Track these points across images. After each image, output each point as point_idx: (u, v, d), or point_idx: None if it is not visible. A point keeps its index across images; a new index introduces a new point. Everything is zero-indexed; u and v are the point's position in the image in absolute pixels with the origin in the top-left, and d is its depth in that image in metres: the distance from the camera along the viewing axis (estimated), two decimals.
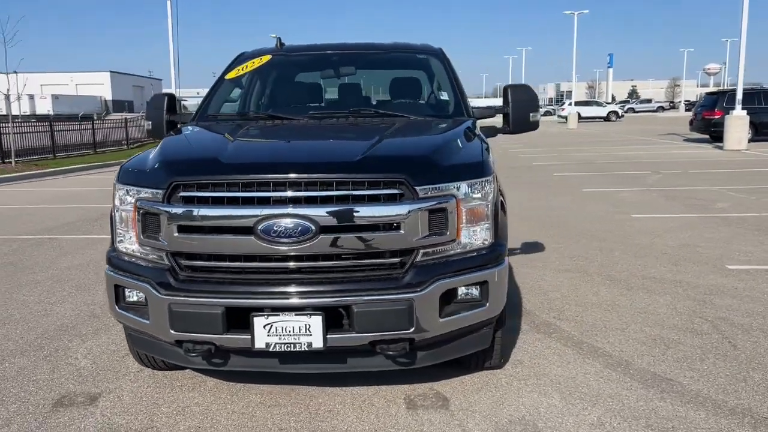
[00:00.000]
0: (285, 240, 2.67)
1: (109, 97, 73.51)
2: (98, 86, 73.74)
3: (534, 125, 4.08)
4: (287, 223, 2.66)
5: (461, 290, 2.91)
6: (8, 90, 18.09)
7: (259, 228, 2.67)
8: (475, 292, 2.93)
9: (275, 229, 2.66)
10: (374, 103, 4.74)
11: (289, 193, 2.71)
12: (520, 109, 4.03)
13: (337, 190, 2.73)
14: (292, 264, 2.76)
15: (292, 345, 2.74)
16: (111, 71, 78.13)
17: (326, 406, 3.13)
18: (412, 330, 2.76)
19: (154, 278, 2.82)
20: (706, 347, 3.74)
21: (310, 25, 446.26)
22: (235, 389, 3.33)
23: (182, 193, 2.78)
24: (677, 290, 4.85)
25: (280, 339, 2.73)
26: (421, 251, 2.80)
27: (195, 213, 2.74)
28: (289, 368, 2.97)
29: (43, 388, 3.39)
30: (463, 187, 2.87)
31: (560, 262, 5.75)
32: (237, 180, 2.75)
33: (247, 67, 4.59)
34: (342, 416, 3.02)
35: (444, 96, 4.47)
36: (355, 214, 2.70)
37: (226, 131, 3.52)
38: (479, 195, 2.92)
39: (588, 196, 10.10)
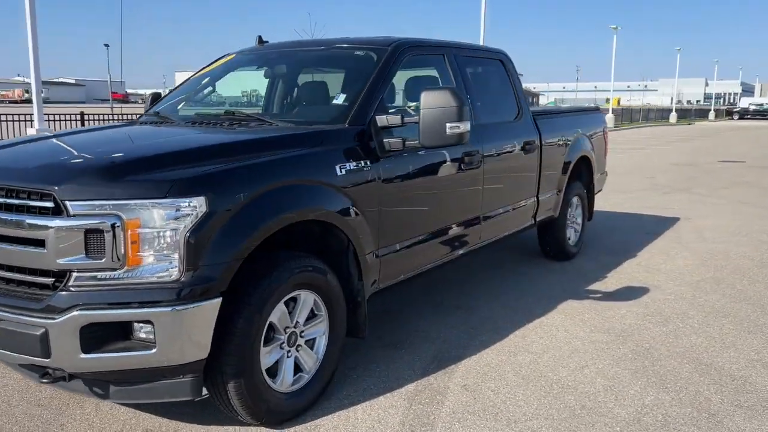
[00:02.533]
0: None
1: None
2: None
3: (452, 139, 3.46)
4: None
5: (137, 327, 2.63)
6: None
7: None
8: (143, 332, 2.62)
9: None
10: (277, 108, 4.57)
11: None
12: (433, 120, 3.43)
13: None
14: None
15: None
16: None
17: None
18: (49, 360, 2.59)
19: None
20: None
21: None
22: None
23: None
24: None
25: None
26: (75, 275, 2.57)
27: None
28: None
29: None
30: (141, 209, 2.55)
31: None
32: None
33: (211, 66, 4.60)
34: None
35: (341, 100, 3.96)
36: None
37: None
38: (163, 219, 2.55)
39: None
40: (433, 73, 4.67)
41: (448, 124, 3.50)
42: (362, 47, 4.20)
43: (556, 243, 6.19)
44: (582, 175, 6.68)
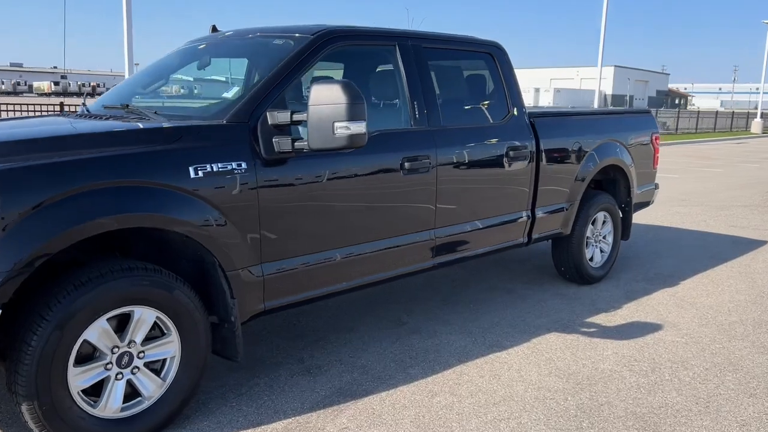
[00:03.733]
0: None
1: (609, 91, 74.97)
2: (602, 80, 71.73)
3: (340, 141, 2.98)
4: None
5: None
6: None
7: None
8: None
9: None
10: (181, 100, 4.11)
11: None
12: (320, 118, 2.99)
13: None
14: None
15: None
16: (616, 65, 79.90)
17: None
18: None
19: None
20: None
21: None
22: None
23: None
24: None
25: None
26: None
27: None
28: None
29: None
30: None
31: None
32: None
33: (168, 56, 4.33)
34: None
35: (230, 94, 3.54)
36: None
37: None
38: None
39: None
40: (380, 67, 4.15)
41: (336, 124, 3.01)
42: (284, 35, 3.76)
43: (571, 264, 5.39)
44: (614, 186, 5.80)
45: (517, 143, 4.52)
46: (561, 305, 4.98)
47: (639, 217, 8.47)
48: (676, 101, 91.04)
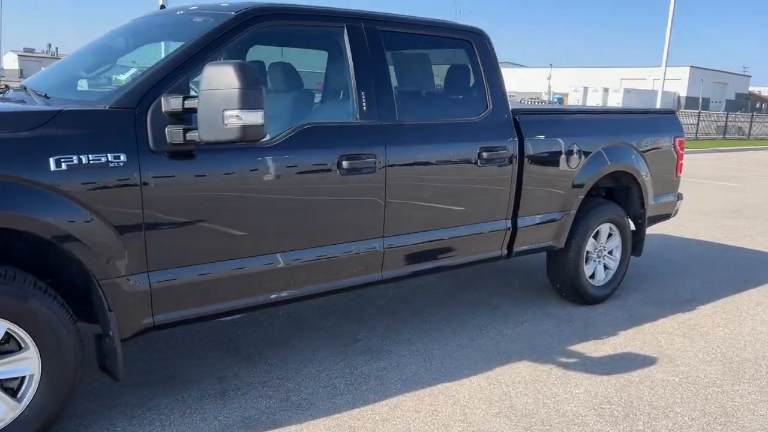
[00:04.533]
0: None
1: (683, 93, 72.68)
2: (675, 81, 71.65)
3: (231, 133, 2.55)
4: None
5: None
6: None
7: None
8: None
9: None
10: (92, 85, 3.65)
11: None
12: (210, 105, 2.56)
13: None
14: None
15: None
16: (691, 66, 77.18)
17: None
18: None
19: None
20: None
21: None
22: None
23: None
24: None
25: None
26: None
27: None
28: None
29: None
30: None
31: None
32: None
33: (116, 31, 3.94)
34: None
35: (125, 76, 3.14)
36: None
37: None
38: None
39: None
40: (322, 51, 3.68)
41: (227, 113, 2.57)
42: (206, 12, 3.33)
43: (566, 281, 4.78)
44: (626, 195, 5.14)
45: (493, 143, 3.96)
46: (547, 328, 4.39)
47: (671, 229, 7.68)
48: (757, 105, 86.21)
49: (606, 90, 62.86)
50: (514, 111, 4.21)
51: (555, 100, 59.67)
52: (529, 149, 4.17)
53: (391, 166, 3.47)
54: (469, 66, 4.08)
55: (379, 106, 3.48)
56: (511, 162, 4.06)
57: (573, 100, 60.46)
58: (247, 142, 2.74)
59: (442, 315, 4.54)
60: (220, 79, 2.57)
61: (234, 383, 3.39)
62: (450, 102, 4.14)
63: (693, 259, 6.47)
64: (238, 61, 2.70)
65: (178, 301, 2.90)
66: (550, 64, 74.25)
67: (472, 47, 4.06)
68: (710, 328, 4.55)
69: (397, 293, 4.96)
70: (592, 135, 4.61)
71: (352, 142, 3.34)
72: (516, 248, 4.31)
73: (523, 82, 79.18)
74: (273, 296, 3.20)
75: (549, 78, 71.70)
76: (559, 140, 4.38)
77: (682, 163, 5.48)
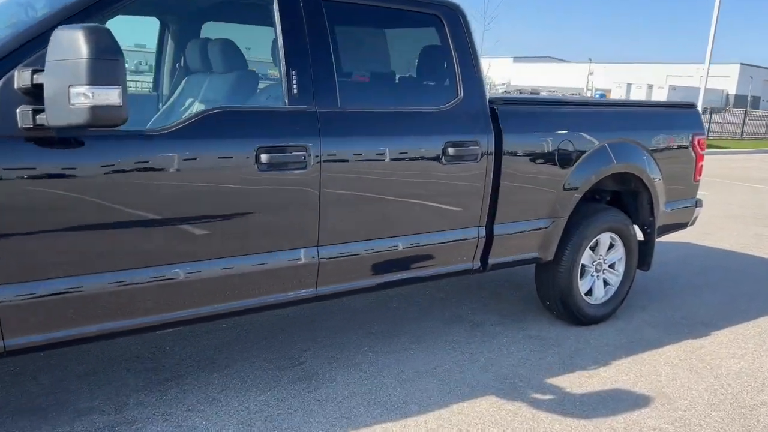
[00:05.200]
0: None
1: (733, 90, 70.79)
2: (724, 79, 69.53)
3: (79, 116, 2.04)
4: None
5: None
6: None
7: None
8: None
9: None
10: None
11: None
12: (56, 80, 2.06)
13: None
14: None
15: None
16: (742, 63, 75.10)
17: None
18: None
19: None
20: None
21: None
22: None
23: None
24: None
25: None
26: None
27: None
28: None
29: None
30: None
31: None
32: None
33: None
34: None
35: None
36: None
37: None
38: None
39: None
40: (248, 23, 3.12)
41: (73, 90, 2.05)
42: None
43: (556, 298, 4.14)
44: (633, 200, 4.47)
45: (462, 137, 3.36)
46: (527, 354, 3.77)
47: (695, 236, 6.92)
48: None
49: (650, 87, 61.09)
50: (493, 100, 3.59)
51: (597, 95, 57.97)
52: (509, 145, 3.55)
53: (327, 161, 2.90)
54: (438, 45, 3.47)
55: (316, 89, 2.91)
56: (485, 160, 3.45)
57: (616, 97, 58.82)
58: (104, 128, 2.21)
59: (412, 332, 3.96)
60: (67, 46, 2.05)
61: (132, 414, 2.87)
62: (410, 88, 3.55)
63: (717, 273, 5.73)
64: (92, 24, 2.16)
65: (38, 321, 2.39)
66: (590, 59, 72.33)
67: (441, 23, 3.44)
68: (723, 359, 3.87)
69: (367, 303, 4.40)
70: (591, 130, 3.95)
71: (275, 132, 2.78)
72: (492, 260, 3.70)
73: (563, 78, 77.44)
74: (166, 317, 2.67)
75: (591, 74, 69.84)
76: (548, 135, 3.74)
77: (702, 165, 4.77)
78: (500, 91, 42.21)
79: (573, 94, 50.69)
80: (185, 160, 2.55)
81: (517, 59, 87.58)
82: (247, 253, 2.79)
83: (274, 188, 2.78)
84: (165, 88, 4.21)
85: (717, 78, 65.28)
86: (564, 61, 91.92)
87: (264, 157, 2.72)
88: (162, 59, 4.22)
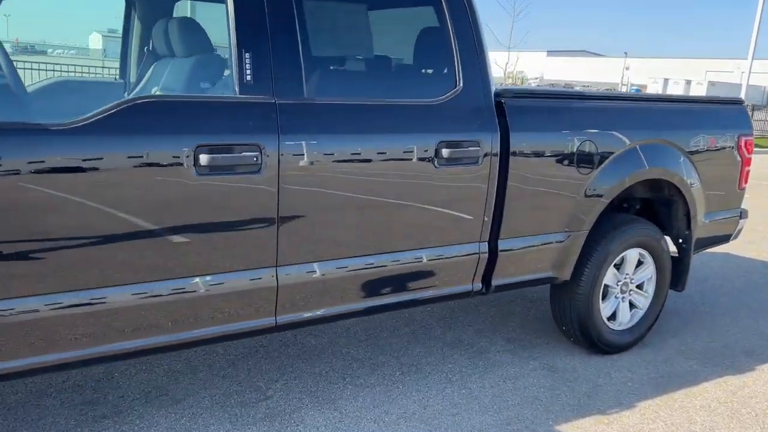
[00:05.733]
0: None
1: None
2: (764, 75, 65.26)
3: None
4: None
5: None
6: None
7: None
8: None
9: None
10: None
11: None
12: None
13: None
14: None
15: None
16: None
17: None
18: None
19: None
20: None
21: None
22: None
23: None
24: None
25: None
26: None
27: None
28: None
29: None
30: None
31: None
32: None
33: None
34: None
35: None
36: None
37: None
38: None
39: None
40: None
41: None
42: None
43: (574, 323, 3.57)
44: (667, 210, 3.86)
45: (461, 136, 2.80)
46: (537, 391, 3.21)
47: (739, 248, 6.23)
48: None
49: (688, 82, 59.31)
50: (500, 93, 3.03)
51: (633, 91, 56.19)
52: (518, 145, 2.98)
53: (288, 164, 2.38)
54: (434, 26, 2.92)
55: (276, 75, 2.38)
56: (487, 163, 2.89)
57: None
58: None
59: (404, 359, 3.43)
60: None
61: None
62: (397, 76, 3.01)
63: (763, 292, 5.07)
64: None
65: None
66: (625, 53, 70.48)
67: (441, 3, 2.88)
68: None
69: (356, 320, 3.87)
70: (619, 128, 3.36)
71: (219, 127, 2.27)
72: (496, 281, 3.14)
73: (599, 72, 75.61)
74: (78, 353, 2.18)
75: (627, 68, 68.09)
76: (567, 134, 3.16)
77: (748, 171, 4.13)
78: (532, 85, 41.19)
79: (607, 89, 49.30)
80: (97, 159, 2.05)
81: (550, 53, 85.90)
82: (175, 277, 2.28)
83: (216, 196, 2.27)
84: (132, 76, 3.75)
85: (758, 74, 62.01)
86: (600, 55, 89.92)
87: (204, 158, 2.21)
88: (128, 42, 3.76)
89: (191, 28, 2.97)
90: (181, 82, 2.83)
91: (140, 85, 3.26)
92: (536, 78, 64.25)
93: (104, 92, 3.82)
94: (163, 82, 2.97)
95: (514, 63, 31.32)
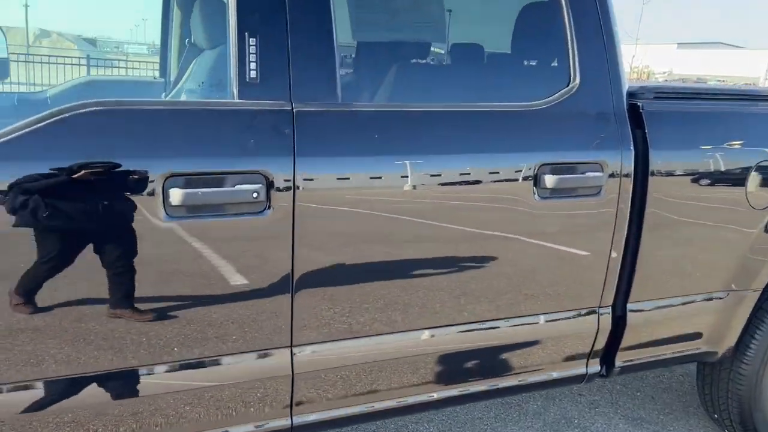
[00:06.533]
0: None
1: None
2: None
3: None
4: None
5: None
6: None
7: None
8: None
9: None
10: None
11: None
12: None
13: None
14: None
15: None
16: None
17: None
18: None
19: None
20: None
21: None
22: None
23: None
24: None
25: None
26: None
27: None
28: None
29: None
30: None
31: None
32: None
33: None
34: None
35: None
36: None
37: None
38: None
39: None
40: None
41: None
42: None
43: (733, 412, 2.55)
44: None
45: (574, 156, 1.91)
46: None
47: None
48: None
49: None
50: (635, 92, 2.09)
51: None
52: (662, 167, 2.04)
53: (307, 200, 1.61)
54: (545, 11, 2.03)
55: (294, 72, 1.62)
56: (615, 193, 1.98)
57: None
58: None
59: None
60: None
61: None
62: (478, 69, 2.14)
63: None
64: None
65: None
66: None
67: None
68: None
69: None
70: None
71: (203, 148, 1.54)
72: (621, 361, 2.21)
73: (737, 66, 69.61)
74: None
75: None
76: (734, 150, 2.18)
77: None
78: (660, 81, 38.09)
79: (747, 85, 45.00)
80: (26, 192, 1.37)
81: (681, 45, 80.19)
82: (152, 363, 1.57)
83: (197, 248, 1.54)
84: (172, 73, 3.15)
85: None
86: (738, 47, 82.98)
87: (176, 195, 1.48)
88: (169, 36, 3.16)
89: (210, 11, 2.28)
90: (200, 81, 2.17)
91: (178, 85, 2.63)
92: (665, 72, 59.95)
93: (142, 93, 3.26)
94: (188, 81, 2.33)
95: (641, 57, 28.88)
